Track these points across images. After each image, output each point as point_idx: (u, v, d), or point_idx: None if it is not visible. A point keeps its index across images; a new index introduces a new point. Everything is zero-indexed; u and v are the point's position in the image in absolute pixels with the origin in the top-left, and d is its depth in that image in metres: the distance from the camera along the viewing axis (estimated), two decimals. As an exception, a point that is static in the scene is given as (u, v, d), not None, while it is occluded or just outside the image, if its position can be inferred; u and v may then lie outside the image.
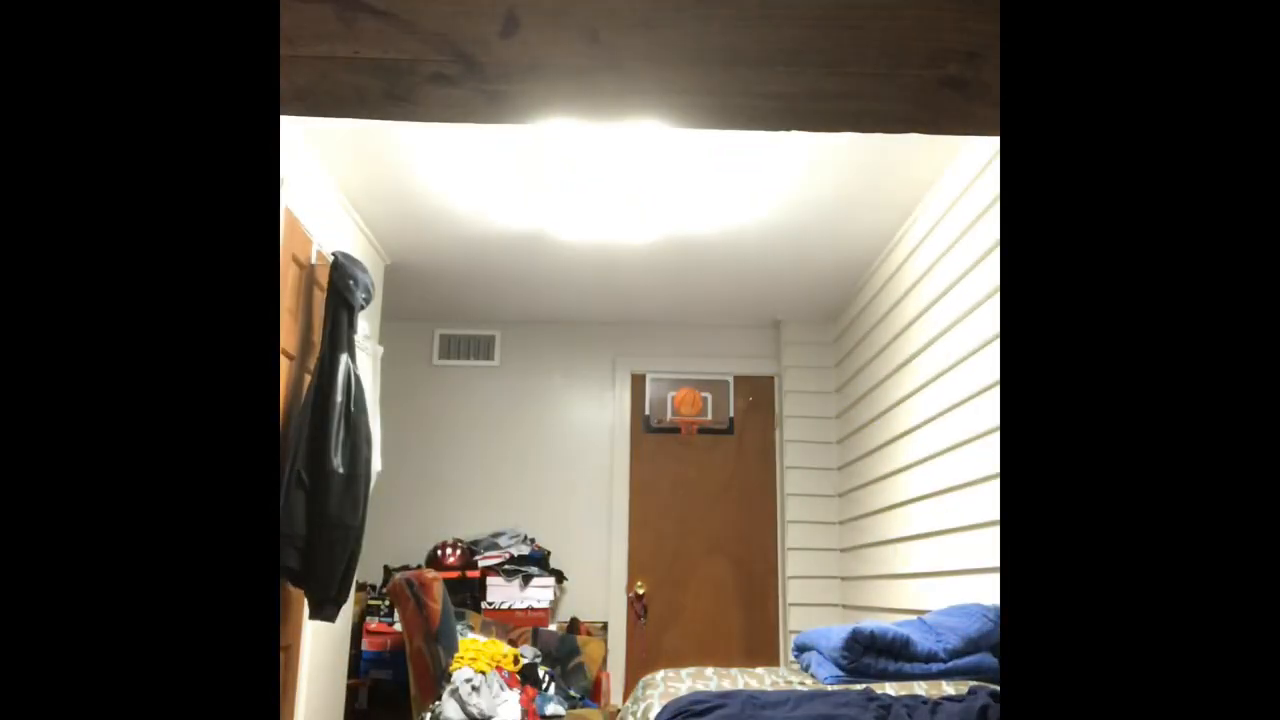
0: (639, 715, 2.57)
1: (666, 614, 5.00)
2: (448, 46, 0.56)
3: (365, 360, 3.32)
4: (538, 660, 4.10)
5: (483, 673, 3.62)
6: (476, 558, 4.78)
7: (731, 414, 5.22)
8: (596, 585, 4.96)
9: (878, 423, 4.24)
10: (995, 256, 2.91)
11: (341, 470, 2.96)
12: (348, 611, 3.47)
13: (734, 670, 3.01)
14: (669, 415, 5.20)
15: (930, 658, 2.57)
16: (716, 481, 5.11)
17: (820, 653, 2.76)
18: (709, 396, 5.24)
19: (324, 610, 2.97)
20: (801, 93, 0.59)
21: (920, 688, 2.30)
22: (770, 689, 2.32)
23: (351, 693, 4.12)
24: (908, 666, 2.56)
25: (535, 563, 4.74)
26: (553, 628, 4.58)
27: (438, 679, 3.61)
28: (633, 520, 5.04)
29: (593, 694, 4.29)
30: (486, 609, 4.60)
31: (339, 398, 3.00)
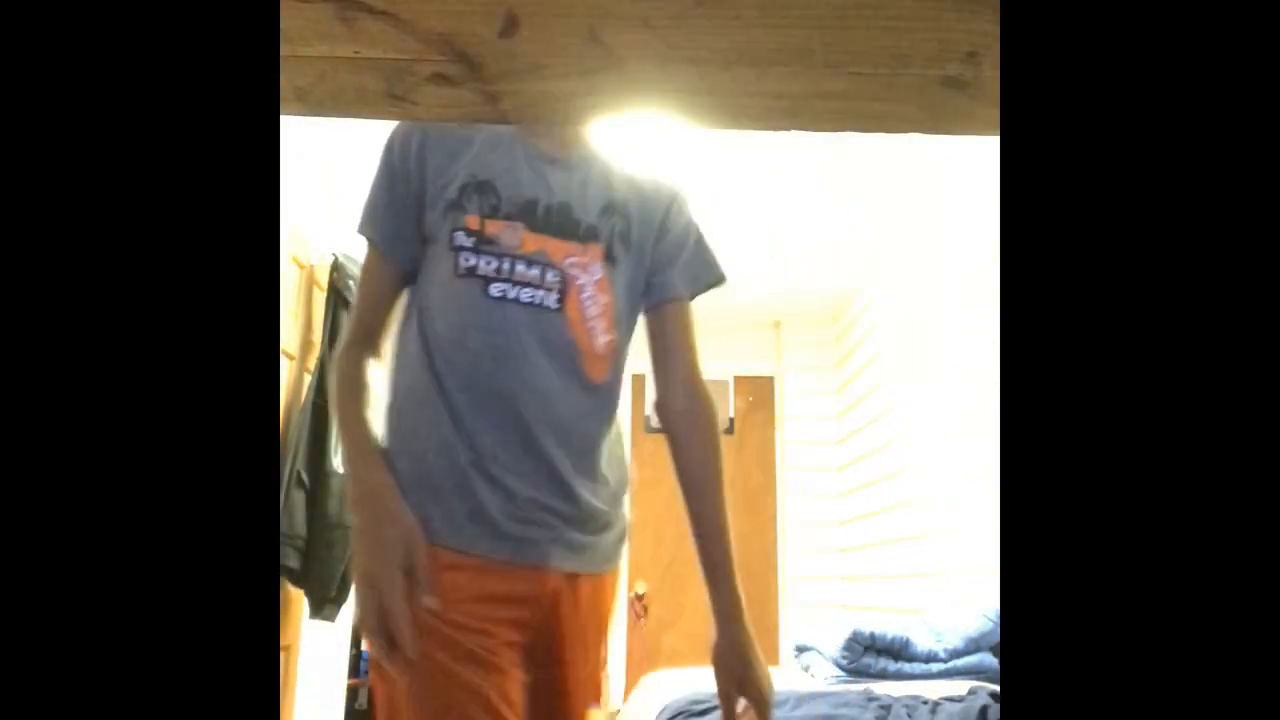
0: (639, 715, 2.57)
1: (666, 614, 4.99)
2: (448, 46, 0.56)
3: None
4: (538, 660, 4.09)
5: (483, 673, 3.61)
6: (476, 558, 4.76)
7: (731, 414, 5.22)
8: (596, 585, 4.96)
9: (878, 423, 4.24)
10: (995, 256, 2.91)
11: (341, 470, 2.96)
12: (348, 611, 3.47)
13: (734, 670, 3.00)
14: (669, 415, 5.20)
15: (930, 658, 2.57)
16: (716, 481, 5.09)
17: (820, 653, 2.76)
18: (709, 397, 5.24)
19: (324, 610, 2.97)
20: (801, 93, 0.59)
21: (920, 688, 2.30)
22: (770, 689, 2.31)
23: (351, 693, 4.12)
24: (908, 666, 2.56)
25: (535, 563, 4.73)
26: (553, 628, 4.57)
27: (438, 679, 3.59)
28: (633, 520, 5.02)
29: (593, 694, 4.29)
30: (486, 609, 4.58)
31: (339, 398, 2.99)
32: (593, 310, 1.21)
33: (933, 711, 1.96)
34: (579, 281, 1.20)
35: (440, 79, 0.58)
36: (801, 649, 2.97)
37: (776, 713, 2.06)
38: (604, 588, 1.26)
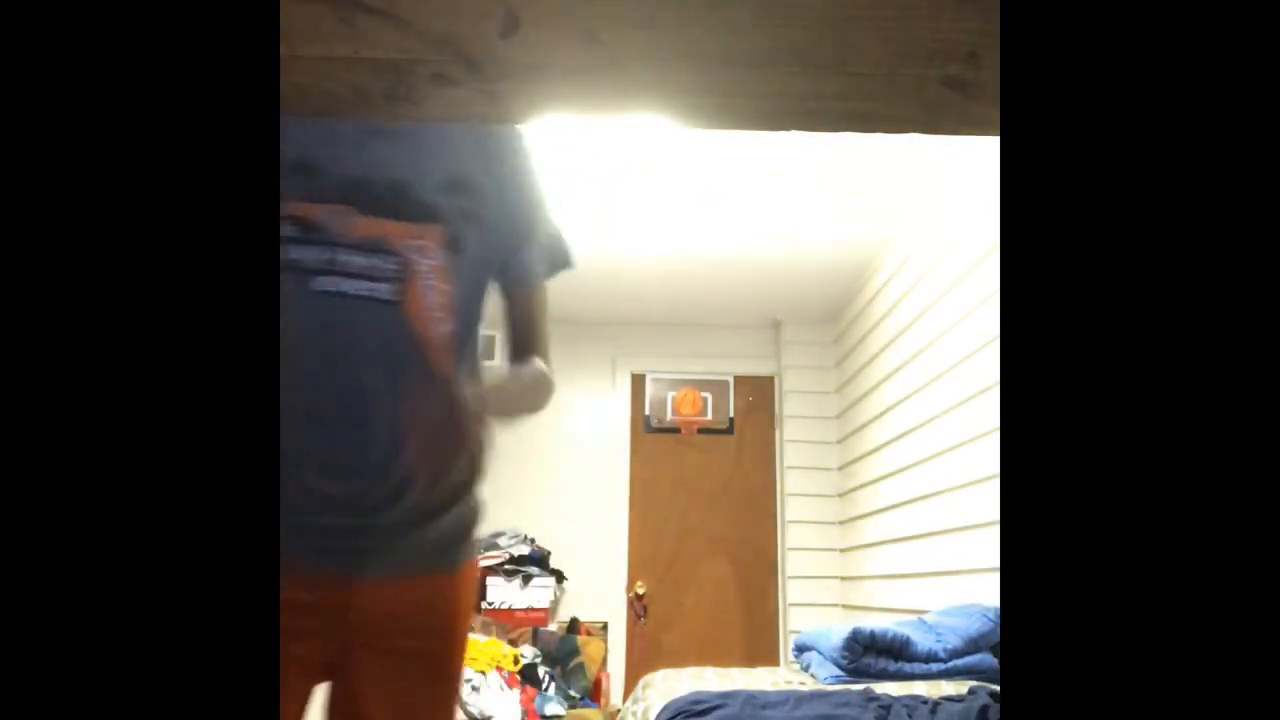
0: (639, 715, 2.57)
1: (666, 614, 4.99)
2: (448, 46, 0.56)
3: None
4: (538, 660, 4.10)
5: (483, 673, 3.62)
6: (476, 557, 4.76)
7: (731, 414, 5.22)
8: (596, 585, 4.96)
9: (878, 423, 4.24)
10: (995, 256, 2.91)
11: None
12: (348, 611, 3.47)
13: (734, 670, 3.01)
14: (669, 415, 5.20)
15: (930, 658, 2.57)
16: (716, 482, 5.10)
17: (820, 653, 2.76)
18: (709, 397, 5.24)
19: (324, 610, 2.96)
20: (801, 93, 0.59)
21: (920, 688, 2.30)
22: (770, 689, 2.32)
23: (351, 693, 4.11)
24: (908, 666, 2.56)
25: (535, 563, 4.73)
26: (553, 628, 4.58)
27: (437, 679, 3.59)
28: (633, 520, 5.04)
29: (593, 694, 4.29)
30: (486, 609, 4.59)
31: (339, 398, 2.99)
32: (433, 299, 1.10)
33: (933, 711, 1.96)
34: (418, 268, 1.09)
35: (440, 79, 0.58)
36: (801, 649, 2.97)
37: (776, 713, 2.06)
38: (440, 588, 1.18)
